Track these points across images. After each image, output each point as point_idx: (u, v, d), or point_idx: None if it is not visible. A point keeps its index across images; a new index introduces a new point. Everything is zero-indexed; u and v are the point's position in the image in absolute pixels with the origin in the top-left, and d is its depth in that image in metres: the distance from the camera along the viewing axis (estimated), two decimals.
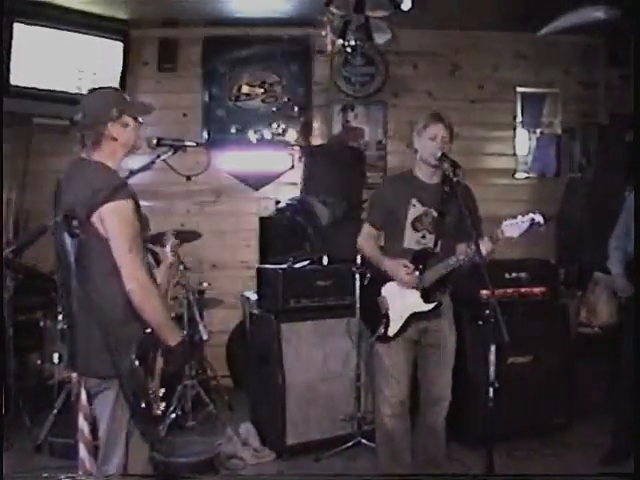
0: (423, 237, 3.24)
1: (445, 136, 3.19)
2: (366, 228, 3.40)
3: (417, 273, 3.20)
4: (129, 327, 2.28)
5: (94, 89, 2.58)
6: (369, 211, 3.47)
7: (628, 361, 3.74)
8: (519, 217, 2.98)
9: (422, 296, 3.22)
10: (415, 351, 3.33)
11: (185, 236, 4.88)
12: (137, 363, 2.21)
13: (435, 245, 3.24)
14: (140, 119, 2.52)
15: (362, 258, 3.71)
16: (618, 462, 3.67)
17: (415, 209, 3.24)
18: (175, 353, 2.34)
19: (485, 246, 3.02)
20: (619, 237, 3.94)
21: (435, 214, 3.24)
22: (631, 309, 3.77)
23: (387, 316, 3.26)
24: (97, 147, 2.42)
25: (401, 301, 3.24)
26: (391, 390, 3.28)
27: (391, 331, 3.25)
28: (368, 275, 3.47)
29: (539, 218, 2.96)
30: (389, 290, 3.28)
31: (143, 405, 2.20)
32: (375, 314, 3.30)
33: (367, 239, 3.39)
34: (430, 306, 3.23)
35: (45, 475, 1.97)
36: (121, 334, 2.24)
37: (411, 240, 3.25)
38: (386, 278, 3.28)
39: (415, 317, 3.23)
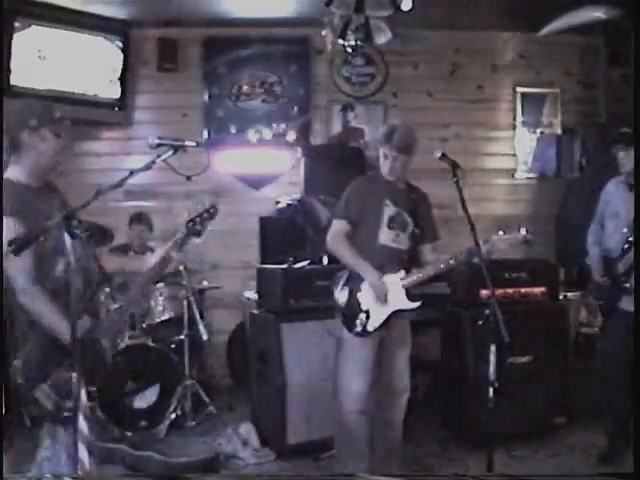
0: (397, 235, 3.37)
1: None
2: (339, 225, 3.39)
3: (403, 273, 3.30)
4: None
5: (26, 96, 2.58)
6: (344, 208, 3.43)
7: (610, 360, 3.75)
8: (513, 233, 3.12)
9: (407, 295, 3.31)
10: (378, 346, 3.39)
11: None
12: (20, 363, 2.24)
13: (410, 245, 3.39)
14: (62, 138, 2.47)
15: (330, 257, 3.68)
16: (614, 462, 3.67)
17: (389, 209, 3.37)
18: (73, 351, 2.30)
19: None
20: (596, 232, 3.93)
21: (405, 215, 3.39)
22: (611, 309, 3.76)
23: (367, 312, 3.31)
24: (14, 155, 2.40)
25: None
26: (360, 385, 3.32)
27: (371, 326, 3.31)
28: (346, 271, 3.42)
29: (529, 236, 3.11)
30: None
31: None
32: (352, 309, 3.33)
33: (341, 238, 3.37)
34: (415, 305, 3.33)
35: (47, 475, 1.96)
36: None
37: (386, 238, 3.36)
38: None
39: (396, 314, 3.33)
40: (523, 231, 3.11)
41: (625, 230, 3.67)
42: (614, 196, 3.82)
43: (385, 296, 3.29)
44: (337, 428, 3.46)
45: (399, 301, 3.31)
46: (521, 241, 3.12)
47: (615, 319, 3.74)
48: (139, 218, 5.09)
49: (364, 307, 3.32)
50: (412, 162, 3.41)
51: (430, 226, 3.51)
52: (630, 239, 3.62)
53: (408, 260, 3.37)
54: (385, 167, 3.37)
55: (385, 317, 3.31)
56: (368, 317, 3.31)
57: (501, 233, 3.13)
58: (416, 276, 3.30)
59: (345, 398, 3.35)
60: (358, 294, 3.34)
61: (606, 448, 3.78)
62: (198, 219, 2.69)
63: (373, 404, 3.41)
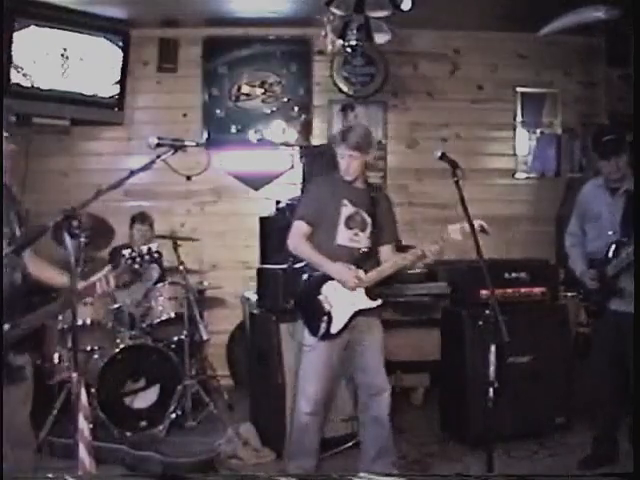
0: (356, 235, 3.41)
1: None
2: (298, 226, 3.43)
3: (362, 273, 3.33)
4: None
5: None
6: (302, 209, 3.49)
7: (601, 362, 3.75)
8: (464, 223, 3.11)
9: (367, 294, 3.34)
10: (343, 349, 3.41)
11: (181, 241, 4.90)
12: None
13: (369, 244, 3.41)
14: (10, 142, 2.49)
15: (294, 257, 3.69)
16: (596, 467, 3.65)
17: (347, 209, 3.40)
18: None
19: (433, 247, 3.23)
20: (574, 234, 3.88)
21: (365, 215, 3.42)
22: (600, 310, 3.72)
23: (329, 314, 3.32)
24: None
25: (345, 299, 3.34)
26: (314, 388, 3.38)
27: (334, 329, 3.33)
28: (305, 275, 3.47)
29: (483, 225, 3.09)
30: (331, 288, 3.35)
31: None
32: (314, 313, 3.35)
33: (301, 238, 3.41)
34: (376, 303, 3.37)
35: (48, 475, 1.96)
36: None
37: (344, 237, 3.39)
38: (325, 277, 3.36)
39: (359, 314, 3.35)
40: (478, 221, 3.09)
41: (610, 233, 3.62)
42: (594, 198, 3.76)
43: (356, 279, 3.29)
44: (292, 426, 3.52)
45: (360, 301, 3.34)
46: (477, 230, 3.08)
47: (605, 320, 3.70)
48: (142, 218, 5.05)
49: (326, 310, 3.34)
50: (366, 160, 3.42)
51: (390, 226, 3.52)
52: (622, 240, 3.55)
53: (367, 259, 3.39)
54: (342, 167, 3.39)
55: (348, 318, 3.33)
56: (330, 320, 3.33)
57: (457, 225, 3.14)
58: (373, 274, 3.33)
59: (301, 399, 3.42)
60: (319, 297, 3.35)
61: (589, 452, 3.76)
62: (139, 259, 2.63)
63: (323, 406, 3.46)
